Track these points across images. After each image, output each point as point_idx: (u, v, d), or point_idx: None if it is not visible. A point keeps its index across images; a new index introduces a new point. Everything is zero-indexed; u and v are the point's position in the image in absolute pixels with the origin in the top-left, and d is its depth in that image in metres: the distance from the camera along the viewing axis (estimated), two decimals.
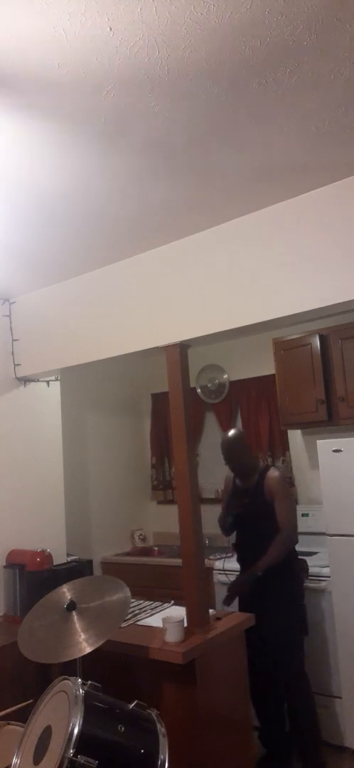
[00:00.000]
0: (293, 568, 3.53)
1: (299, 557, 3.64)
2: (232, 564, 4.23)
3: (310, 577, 3.83)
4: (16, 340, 3.82)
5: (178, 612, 3.02)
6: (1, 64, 1.67)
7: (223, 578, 4.22)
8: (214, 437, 5.13)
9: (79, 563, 3.85)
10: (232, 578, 3.66)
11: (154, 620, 3.05)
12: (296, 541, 3.54)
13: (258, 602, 3.37)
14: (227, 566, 4.25)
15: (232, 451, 3.68)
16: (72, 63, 1.70)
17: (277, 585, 3.40)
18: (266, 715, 3.55)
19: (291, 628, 3.44)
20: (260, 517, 3.57)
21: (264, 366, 4.67)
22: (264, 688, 3.50)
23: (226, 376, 5.03)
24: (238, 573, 3.70)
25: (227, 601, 3.47)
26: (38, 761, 2.07)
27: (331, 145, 2.28)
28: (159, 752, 2.20)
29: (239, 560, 3.74)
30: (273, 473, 3.62)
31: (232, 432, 3.77)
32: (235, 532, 3.80)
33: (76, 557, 4.00)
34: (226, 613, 3.13)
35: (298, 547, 4.46)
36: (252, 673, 3.26)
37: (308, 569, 3.73)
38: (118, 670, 2.84)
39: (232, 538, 3.87)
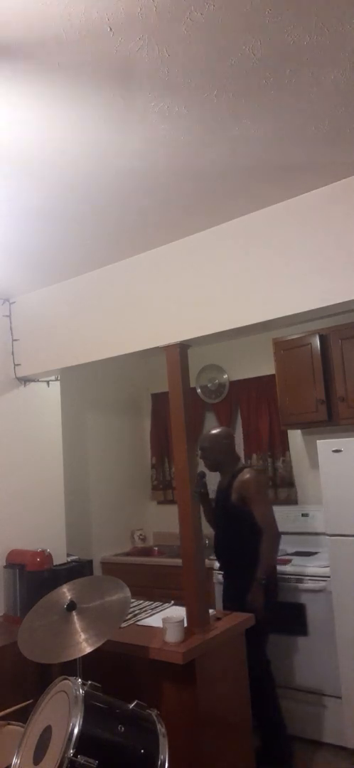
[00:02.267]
0: (251, 561, 3.47)
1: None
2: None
3: (310, 577, 3.84)
4: (16, 340, 3.82)
5: (178, 612, 3.02)
6: None
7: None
8: None
9: (79, 563, 3.85)
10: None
11: (154, 620, 3.05)
12: (279, 536, 3.58)
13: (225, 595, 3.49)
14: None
15: (204, 446, 3.77)
16: (72, 64, 1.70)
17: (233, 581, 3.48)
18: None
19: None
20: (228, 518, 3.65)
21: (264, 366, 4.67)
22: None
23: (226, 376, 5.03)
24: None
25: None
26: (38, 761, 2.07)
27: (331, 145, 2.28)
28: (159, 752, 2.20)
29: (215, 554, 3.82)
30: (243, 476, 3.61)
31: (214, 429, 3.85)
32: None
33: (76, 557, 4.00)
34: (226, 613, 3.13)
35: (298, 547, 4.48)
36: None
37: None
38: (118, 670, 2.84)
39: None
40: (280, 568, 3.99)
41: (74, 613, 2.62)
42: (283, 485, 4.65)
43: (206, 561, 4.07)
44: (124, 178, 2.39)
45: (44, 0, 1.47)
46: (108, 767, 2.08)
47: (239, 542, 3.58)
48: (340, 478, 3.68)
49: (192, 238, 3.05)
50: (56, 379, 4.08)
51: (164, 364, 3.11)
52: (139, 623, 3.07)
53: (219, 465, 3.77)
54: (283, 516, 4.56)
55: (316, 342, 4.13)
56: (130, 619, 3.10)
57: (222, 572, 3.83)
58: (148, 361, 5.37)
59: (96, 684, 2.30)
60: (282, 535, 4.52)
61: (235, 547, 3.61)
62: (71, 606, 2.64)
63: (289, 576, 3.93)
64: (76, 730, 2.05)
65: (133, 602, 3.26)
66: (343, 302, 2.58)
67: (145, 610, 3.24)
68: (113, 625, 2.58)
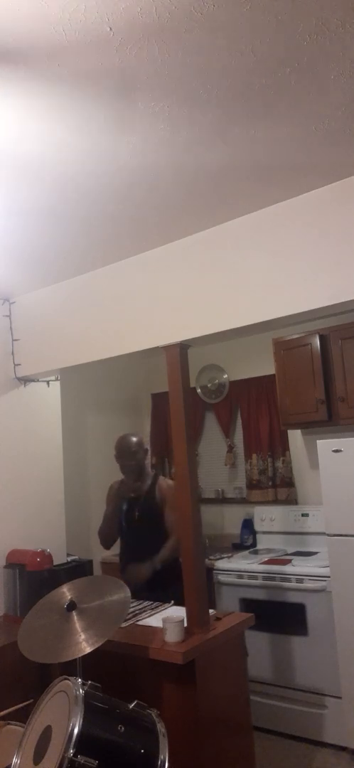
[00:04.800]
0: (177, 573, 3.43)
1: None
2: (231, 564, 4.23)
3: (310, 577, 3.84)
4: (16, 340, 3.82)
5: (178, 612, 3.02)
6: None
7: (223, 578, 4.23)
8: (214, 437, 5.14)
9: (79, 563, 3.85)
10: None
11: (154, 620, 3.05)
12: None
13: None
14: (227, 566, 4.25)
15: (131, 451, 3.73)
16: (72, 63, 1.70)
17: (164, 588, 3.43)
18: None
19: None
20: (151, 522, 3.64)
21: (264, 366, 4.67)
22: None
23: (226, 376, 5.03)
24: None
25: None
26: (38, 761, 2.07)
27: (331, 145, 2.28)
28: (159, 752, 2.20)
29: (122, 568, 3.71)
30: (165, 482, 3.76)
31: (131, 434, 3.82)
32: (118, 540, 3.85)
33: (76, 557, 4.00)
34: (226, 613, 3.13)
35: (298, 547, 4.49)
36: None
37: None
38: (118, 670, 2.84)
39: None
40: (280, 568, 3.99)
41: (74, 613, 2.62)
42: (283, 485, 4.65)
43: (206, 561, 4.08)
44: (124, 178, 2.39)
45: (44, 1, 1.47)
46: (108, 767, 2.08)
47: (157, 541, 3.60)
48: (340, 478, 3.68)
49: (192, 238, 3.05)
50: (56, 379, 4.08)
51: (164, 364, 3.11)
52: (139, 623, 3.07)
53: (143, 472, 3.77)
54: (283, 516, 4.57)
55: (316, 342, 4.13)
56: (130, 619, 3.10)
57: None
58: (148, 361, 5.37)
59: (96, 684, 2.30)
60: (283, 535, 4.58)
61: (155, 545, 3.59)
62: (71, 606, 2.63)
63: (289, 576, 3.93)
64: (76, 730, 2.05)
65: (133, 602, 3.26)
66: (343, 302, 2.58)
67: (145, 610, 3.24)
68: (113, 625, 2.58)
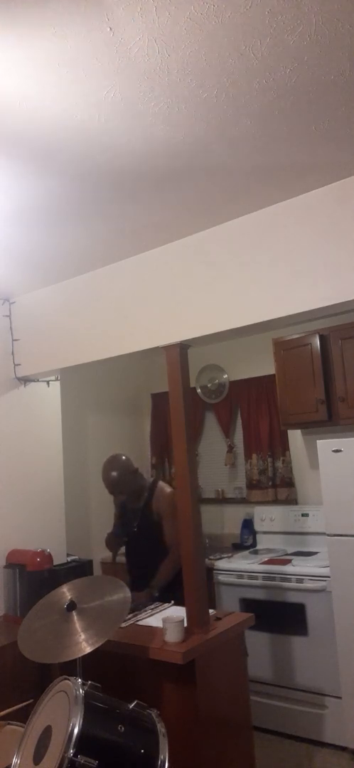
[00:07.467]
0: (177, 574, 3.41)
1: None
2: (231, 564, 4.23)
3: (310, 577, 3.84)
4: (16, 340, 3.82)
5: (178, 612, 3.02)
6: None
7: (223, 578, 4.23)
8: (214, 437, 5.14)
9: (79, 563, 3.85)
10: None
11: (154, 620, 3.05)
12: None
13: None
14: (226, 566, 4.26)
15: (121, 485, 3.61)
16: (71, 63, 1.70)
17: (171, 596, 3.38)
18: None
19: None
20: (149, 536, 3.61)
21: (264, 366, 4.67)
22: None
23: (226, 376, 5.03)
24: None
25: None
26: (38, 761, 2.07)
27: (331, 145, 2.28)
28: (159, 752, 2.20)
29: (130, 579, 3.67)
30: (162, 491, 3.65)
31: (115, 464, 3.63)
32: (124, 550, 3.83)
33: (76, 557, 4.00)
34: (226, 613, 3.13)
35: (298, 547, 4.49)
36: None
37: None
38: (118, 670, 2.84)
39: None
40: (280, 568, 3.99)
41: (74, 613, 2.62)
42: (283, 485, 4.65)
43: (206, 561, 4.08)
44: (124, 178, 2.39)
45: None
46: (108, 767, 2.08)
47: (156, 554, 3.55)
48: (340, 478, 3.68)
49: (192, 238, 3.05)
50: (56, 379, 4.08)
51: (164, 364, 3.11)
52: (139, 623, 3.06)
53: (138, 494, 3.68)
54: (283, 516, 4.57)
55: (316, 342, 4.13)
56: (130, 619, 3.10)
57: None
58: (148, 361, 5.37)
59: (96, 684, 2.30)
60: (283, 535, 4.58)
61: (154, 559, 3.55)
62: (71, 606, 2.64)
63: (289, 576, 3.93)
64: (76, 730, 2.05)
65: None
66: (343, 302, 2.58)
67: (145, 610, 3.24)
68: (113, 625, 2.58)
